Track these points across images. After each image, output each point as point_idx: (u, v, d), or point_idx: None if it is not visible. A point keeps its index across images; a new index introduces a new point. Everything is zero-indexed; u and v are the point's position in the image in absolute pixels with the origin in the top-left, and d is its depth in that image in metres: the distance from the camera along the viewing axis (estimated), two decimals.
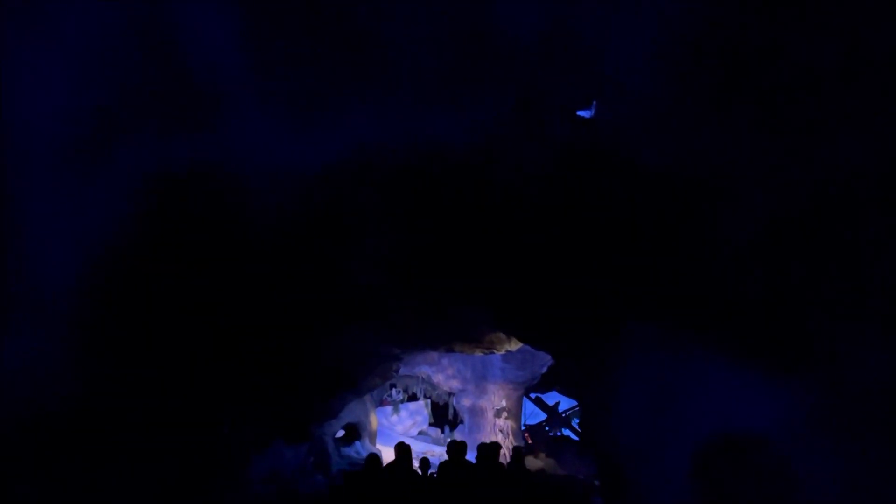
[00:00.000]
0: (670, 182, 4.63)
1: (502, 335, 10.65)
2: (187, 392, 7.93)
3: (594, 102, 4.54)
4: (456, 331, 9.97)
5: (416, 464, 7.56)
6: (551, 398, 24.23)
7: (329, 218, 5.92)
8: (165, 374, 7.02)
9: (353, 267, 7.04)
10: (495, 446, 7.26)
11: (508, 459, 15.53)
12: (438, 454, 16.68)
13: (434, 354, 17.49)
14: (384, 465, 7.37)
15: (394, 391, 18.07)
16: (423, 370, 17.71)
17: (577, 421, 23.88)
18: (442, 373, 17.79)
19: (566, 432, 23.83)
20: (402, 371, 15.64)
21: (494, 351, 11.01)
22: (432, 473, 7.44)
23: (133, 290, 5.63)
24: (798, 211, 4.38)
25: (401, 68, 4.60)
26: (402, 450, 6.89)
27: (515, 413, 18.09)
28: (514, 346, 10.92)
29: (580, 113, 4.63)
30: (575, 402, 23.33)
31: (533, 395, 22.88)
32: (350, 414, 12.85)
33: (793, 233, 4.55)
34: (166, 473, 7.79)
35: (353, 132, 4.87)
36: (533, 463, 8.20)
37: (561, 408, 24.06)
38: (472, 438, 17.54)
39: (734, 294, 5.60)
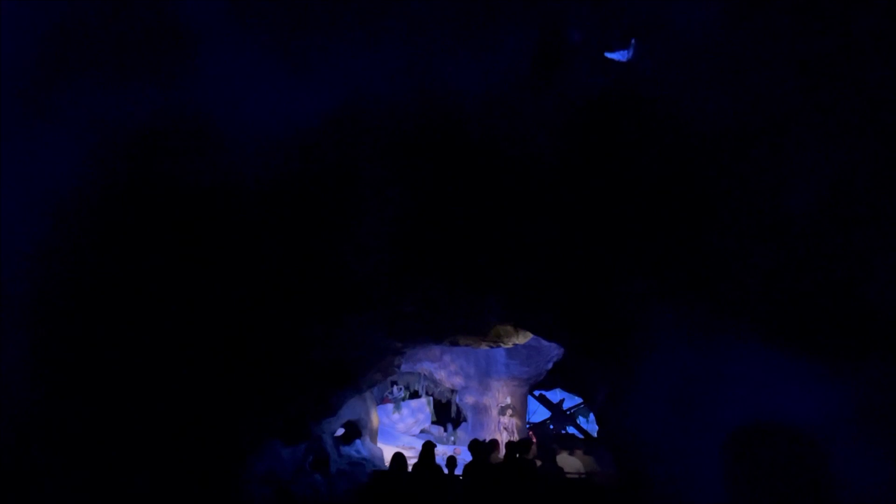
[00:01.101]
0: (717, 140, 4.06)
1: (510, 327, 10.10)
2: (171, 391, 7.46)
3: (631, 42, 3.95)
4: (461, 322, 9.40)
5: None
6: (555, 396, 23.74)
7: (323, 184, 5.35)
8: (141, 371, 6.48)
9: (351, 246, 6.47)
10: (493, 444, 7.17)
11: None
12: (441, 453, 16.15)
13: (436, 350, 16.97)
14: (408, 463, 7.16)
15: (395, 388, 17.54)
16: (425, 366, 17.18)
17: (582, 418, 23.42)
18: (444, 369, 17.25)
19: (571, 430, 23.35)
20: (404, 368, 15.12)
21: (501, 344, 10.45)
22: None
23: (93, 274, 5.06)
24: (868, 173, 3.82)
25: (406, 3, 4.01)
26: (428, 448, 6.83)
27: (520, 410, 17.53)
28: (522, 339, 10.37)
29: (612, 56, 4.04)
30: (580, 400, 22.82)
31: (536, 393, 22.37)
32: (350, 411, 12.32)
33: (860, 202, 3.99)
34: (154, 477, 7.37)
35: (349, 80, 4.28)
36: (568, 461, 7.65)
37: (565, 405, 23.55)
38: (476, 437, 16.99)
39: (782, 275, 5.04)
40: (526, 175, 5.08)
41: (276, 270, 7.01)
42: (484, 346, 10.73)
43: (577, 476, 7.09)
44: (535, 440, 18.01)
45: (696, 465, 5.80)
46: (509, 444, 6.82)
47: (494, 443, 6.85)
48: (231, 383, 8.44)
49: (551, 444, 7.89)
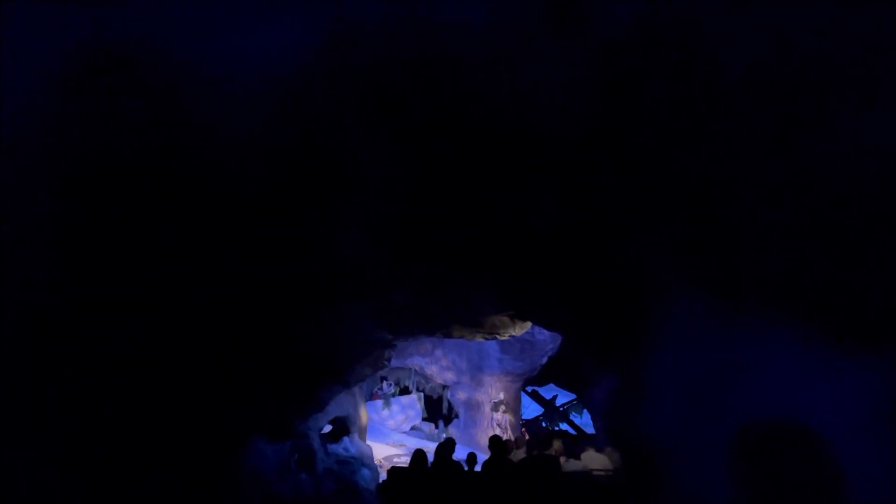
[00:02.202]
0: (752, 95, 3.59)
1: (506, 318, 9.63)
2: (142, 387, 6.96)
3: None
4: (456, 312, 8.92)
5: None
6: (548, 392, 23.38)
7: (302, 149, 4.84)
8: (105, 367, 5.98)
9: (336, 225, 5.96)
10: (517, 440, 7.25)
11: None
12: (433, 450, 15.68)
13: (427, 345, 16.52)
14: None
15: (384, 384, 17.05)
16: (416, 362, 16.73)
17: (575, 415, 23.07)
18: (435, 364, 16.81)
19: (564, 426, 23.01)
20: (394, 363, 14.64)
21: (497, 336, 9.98)
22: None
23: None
24: None
25: None
26: (447, 445, 6.91)
27: (514, 406, 17.10)
28: (519, 330, 9.91)
29: None
30: (573, 396, 22.48)
31: (529, 389, 21.98)
32: (338, 407, 11.79)
33: None
34: (129, 477, 6.89)
35: (330, 4, 3.75)
36: (596, 458, 7.28)
37: (559, 401, 23.20)
38: (468, 434, 16.57)
39: (811, 254, 4.58)
40: (532, 139, 4.59)
41: (253, 256, 6.48)
42: (479, 338, 10.25)
43: (603, 473, 6.73)
44: (527, 437, 17.64)
45: (712, 465, 5.35)
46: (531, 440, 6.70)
47: (518, 439, 6.87)
48: (209, 378, 7.95)
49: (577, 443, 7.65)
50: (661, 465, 5.70)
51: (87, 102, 4.10)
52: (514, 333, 10.00)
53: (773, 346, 5.06)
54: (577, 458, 7.27)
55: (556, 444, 7.99)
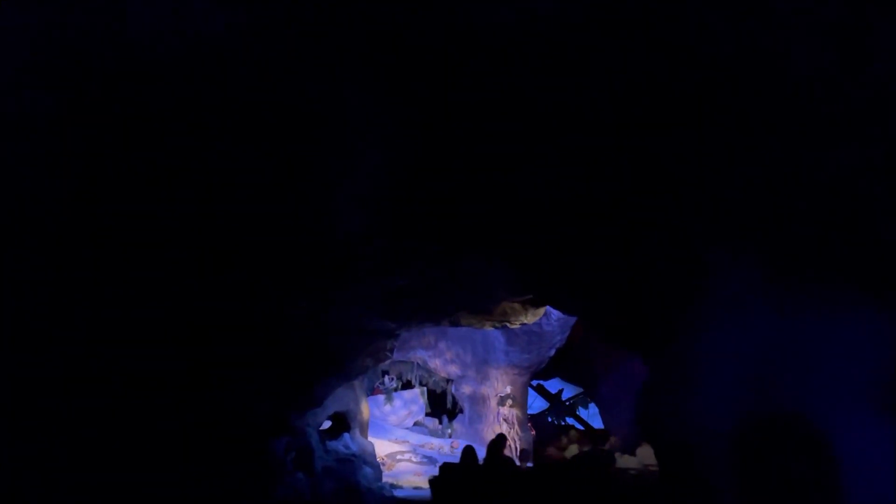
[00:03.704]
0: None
1: (517, 305, 8.96)
2: (127, 381, 6.39)
3: None
4: (464, 297, 8.22)
5: None
6: (553, 386, 22.74)
7: (286, 107, 4.15)
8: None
9: (330, 198, 5.28)
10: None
11: (518, 452, 13.91)
12: (437, 446, 15.01)
13: (430, 337, 15.84)
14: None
15: (386, 378, 16.36)
16: (418, 355, 16.04)
17: (582, 409, 22.42)
18: (439, 357, 16.11)
19: (570, 421, 22.37)
20: (396, 356, 13.95)
21: (507, 324, 9.30)
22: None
23: None
24: None
25: None
26: (499, 442, 7.01)
27: (521, 401, 16.42)
28: (532, 317, 9.23)
29: None
30: (580, 390, 21.83)
31: (534, 383, 21.32)
32: (337, 402, 11.16)
33: None
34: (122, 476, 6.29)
35: None
36: (650, 453, 6.77)
37: (564, 395, 22.55)
38: (474, 429, 15.90)
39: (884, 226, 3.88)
40: (558, 90, 3.88)
41: (235, 233, 5.81)
42: (488, 326, 9.58)
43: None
44: (533, 432, 16.99)
45: (770, 455, 4.65)
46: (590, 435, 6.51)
47: (570, 436, 6.52)
48: (195, 371, 7.31)
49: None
50: (703, 461, 4.99)
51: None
52: (525, 321, 9.33)
53: (841, 326, 4.36)
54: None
55: (613, 440, 7.71)
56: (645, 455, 6.77)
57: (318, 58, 3.95)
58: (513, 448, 14.20)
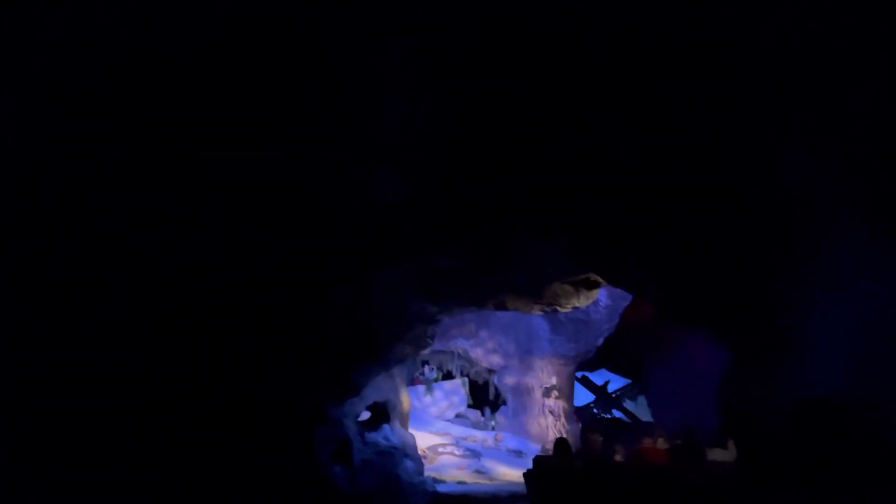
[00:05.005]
0: None
1: (569, 287, 8.25)
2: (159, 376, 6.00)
3: None
4: (512, 278, 7.57)
5: None
6: (599, 377, 21.91)
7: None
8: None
9: (364, 170, 4.74)
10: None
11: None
12: (480, 439, 14.42)
13: (471, 326, 15.26)
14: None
15: (426, 369, 15.87)
16: (459, 344, 15.47)
17: (629, 401, 21.51)
18: (481, 347, 15.52)
19: (617, 414, 21.51)
20: (436, 346, 13.42)
21: (558, 308, 8.62)
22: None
23: None
24: None
25: None
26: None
27: (567, 392, 15.70)
28: (585, 300, 8.52)
29: None
30: (628, 381, 20.96)
31: (579, 374, 20.53)
32: (376, 392, 10.64)
33: None
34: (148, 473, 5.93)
35: None
36: (719, 454, 6.16)
37: (611, 387, 21.69)
38: (518, 421, 15.28)
39: None
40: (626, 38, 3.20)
41: (264, 213, 5.36)
42: (536, 311, 8.91)
43: None
44: (580, 424, 16.26)
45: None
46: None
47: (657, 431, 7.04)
48: (235, 362, 6.90)
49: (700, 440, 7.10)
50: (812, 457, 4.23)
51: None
52: (577, 304, 8.61)
53: None
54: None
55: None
56: (715, 457, 6.13)
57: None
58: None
